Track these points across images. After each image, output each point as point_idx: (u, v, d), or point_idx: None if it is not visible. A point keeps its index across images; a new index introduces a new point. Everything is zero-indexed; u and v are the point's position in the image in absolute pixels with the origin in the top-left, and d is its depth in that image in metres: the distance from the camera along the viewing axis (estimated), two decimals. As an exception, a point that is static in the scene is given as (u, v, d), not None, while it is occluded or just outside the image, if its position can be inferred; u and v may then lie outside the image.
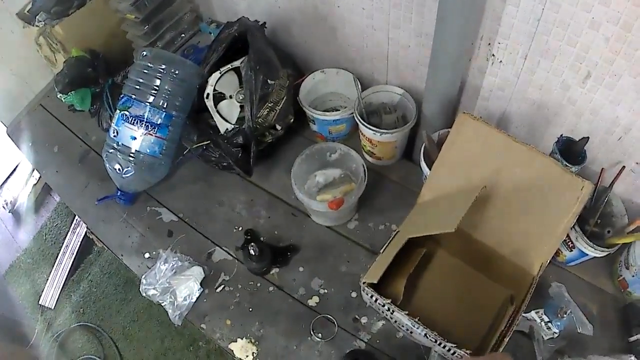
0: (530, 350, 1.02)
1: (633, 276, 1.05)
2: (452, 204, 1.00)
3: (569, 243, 1.06)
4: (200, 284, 1.18)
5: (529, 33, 0.96)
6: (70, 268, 2.17)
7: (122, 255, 1.29)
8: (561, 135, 1.05)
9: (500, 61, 1.06)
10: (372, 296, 0.98)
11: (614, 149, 1.04)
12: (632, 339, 1.02)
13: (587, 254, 1.04)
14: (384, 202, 1.29)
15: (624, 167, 1.03)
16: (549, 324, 1.03)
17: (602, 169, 1.06)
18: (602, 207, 1.06)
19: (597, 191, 1.06)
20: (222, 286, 1.19)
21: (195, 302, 1.16)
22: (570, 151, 1.04)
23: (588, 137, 1.00)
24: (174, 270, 1.19)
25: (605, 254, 1.03)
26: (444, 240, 1.14)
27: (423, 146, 1.15)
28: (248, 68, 1.23)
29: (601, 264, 1.12)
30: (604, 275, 1.14)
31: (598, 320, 1.06)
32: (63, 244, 2.21)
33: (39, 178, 2.38)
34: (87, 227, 1.96)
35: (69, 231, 2.23)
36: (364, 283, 0.98)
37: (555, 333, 1.02)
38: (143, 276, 1.20)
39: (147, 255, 1.27)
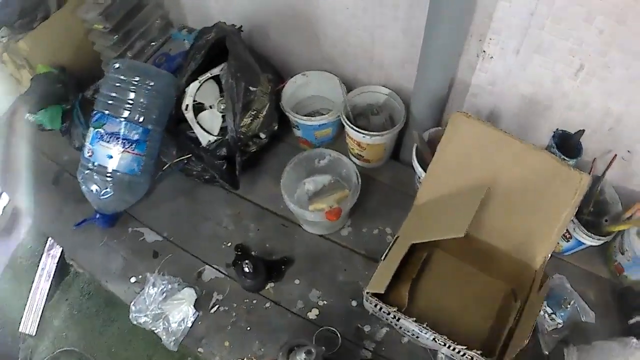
0: (534, 343, 1.03)
1: (628, 260, 1.07)
2: (455, 207, 0.99)
3: (566, 234, 1.07)
4: (194, 306, 1.12)
5: (521, 28, 0.95)
6: (48, 292, 2.06)
7: (106, 282, 1.22)
8: (557, 129, 1.05)
9: (491, 57, 1.04)
10: (376, 305, 0.96)
11: (604, 139, 1.06)
12: (631, 321, 1.04)
13: (584, 243, 1.06)
14: (376, 206, 1.26)
15: (615, 155, 1.04)
16: (553, 315, 1.04)
17: (594, 158, 1.07)
18: (595, 195, 1.07)
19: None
20: (217, 306, 1.15)
21: (190, 326, 1.11)
22: (566, 144, 1.04)
23: (584, 130, 1.01)
24: (164, 294, 1.13)
25: (602, 242, 1.04)
26: (442, 240, 1.12)
27: (415, 147, 1.13)
28: (229, 76, 1.18)
29: (595, 251, 1.14)
30: (599, 262, 1.16)
31: (597, 306, 1.08)
32: (38, 267, 2.11)
33: (9, 200, 2.25)
34: (66, 254, 1.88)
35: (43, 253, 2.13)
36: (367, 293, 0.96)
37: (560, 324, 1.03)
38: (132, 303, 1.14)
39: (133, 279, 1.21)
